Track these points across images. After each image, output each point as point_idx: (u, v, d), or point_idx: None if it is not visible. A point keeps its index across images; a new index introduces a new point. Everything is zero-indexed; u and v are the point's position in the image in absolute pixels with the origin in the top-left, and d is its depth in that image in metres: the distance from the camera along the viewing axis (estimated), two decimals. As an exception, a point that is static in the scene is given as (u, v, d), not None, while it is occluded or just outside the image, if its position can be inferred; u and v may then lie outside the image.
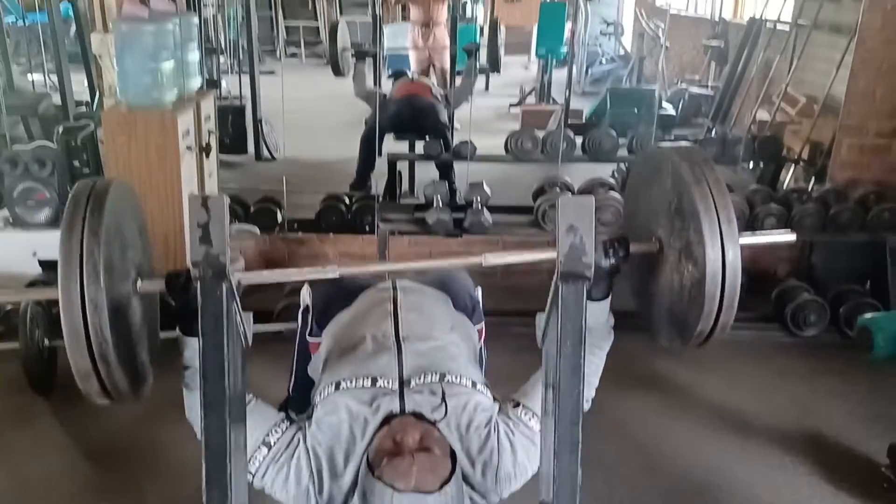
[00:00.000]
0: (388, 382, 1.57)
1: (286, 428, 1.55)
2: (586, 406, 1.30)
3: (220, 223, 1.27)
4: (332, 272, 1.42)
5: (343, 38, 4.84)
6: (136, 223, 1.39)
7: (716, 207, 1.26)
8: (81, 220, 1.19)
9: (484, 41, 7.03)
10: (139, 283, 1.33)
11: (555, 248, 1.32)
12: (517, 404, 1.61)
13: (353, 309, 1.91)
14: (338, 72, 4.83)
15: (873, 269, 3.74)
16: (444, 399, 1.52)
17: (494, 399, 1.62)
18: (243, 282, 1.35)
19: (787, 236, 1.46)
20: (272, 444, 1.51)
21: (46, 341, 3.05)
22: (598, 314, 1.54)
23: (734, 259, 1.25)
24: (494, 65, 5.65)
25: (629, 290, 1.61)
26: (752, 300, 3.76)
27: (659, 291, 1.42)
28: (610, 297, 1.55)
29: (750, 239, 1.37)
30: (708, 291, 1.26)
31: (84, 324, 1.15)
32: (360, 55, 4.92)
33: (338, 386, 1.58)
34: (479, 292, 2.12)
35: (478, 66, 5.10)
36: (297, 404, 1.94)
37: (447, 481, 1.39)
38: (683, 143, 1.35)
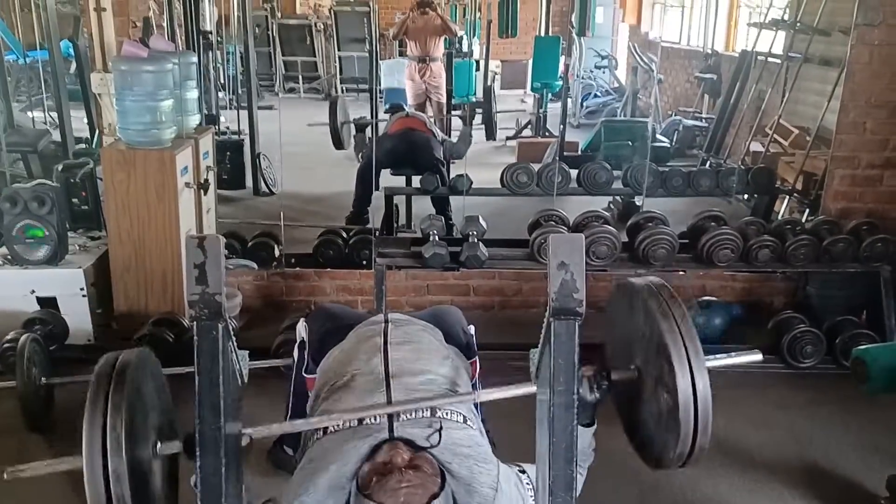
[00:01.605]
0: (375, 419, 1.57)
1: None
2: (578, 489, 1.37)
3: (216, 263, 1.28)
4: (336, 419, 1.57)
5: (343, 112, 4.96)
6: (156, 386, 1.44)
7: (683, 341, 1.34)
8: (105, 397, 1.25)
9: (479, 76, 7.14)
10: (159, 445, 1.37)
11: (532, 379, 1.47)
12: (522, 471, 1.66)
13: (344, 344, 1.91)
14: (339, 145, 4.96)
15: (868, 299, 3.76)
16: (440, 429, 1.53)
17: (483, 434, 1.64)
18: (254, 436, 1.45)
19: (753, 356, 1.55)
20: None
21: (43, 379, 3.05)
22: (584, 439, 1.60)
23: (704, 387, 1.33)
24: (490, 132, 5.77)
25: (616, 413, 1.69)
26: (749, 331, 3.79)
27: (640, 416, 1.51)
28: (595, 425, 1.64)
29: (718, 362, 1.45)
30: (682, 418, 1.33)
31: (107, 496, 1.21)
32: (359, 128, 5.05)
33: (325, 431, 1.58)
34: (472, 329, 2.13)
35: (471, 130, 5.21)
36: (293, 440, 1.94)
37: (436, 496, 1.41)
38: (651, 278, 1.45)
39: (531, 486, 1.62)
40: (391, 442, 1.50)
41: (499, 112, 6.33)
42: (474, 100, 6.96)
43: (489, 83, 7.17)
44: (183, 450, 1.37)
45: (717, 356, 1.46)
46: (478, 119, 6.20)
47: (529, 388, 1.51)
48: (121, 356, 1.33)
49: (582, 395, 1.42)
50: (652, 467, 1.56)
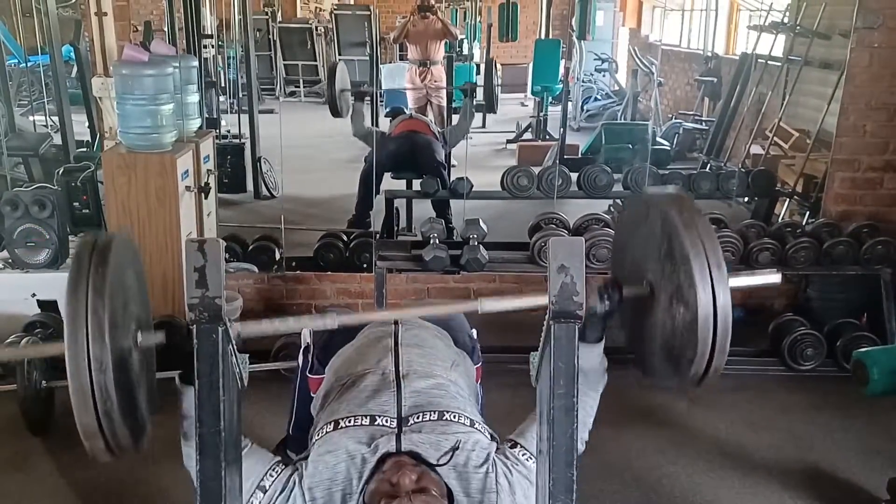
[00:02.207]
0: (386, 421, 1.57)
1: (281, 471, 1.55)
2: (581, 448, 1.32)
3: (217, 267, 1.28)
4: (330, 323, 1.43)
5: (341, 79, 4.89)
6: (135, 274, 1.40)
7: (706, 252, 1.28)
8: (86, 280, 1.19)
9: (480, 80, 7.12)
10: (139, 336, 1.33)
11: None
12: (514, 444, 1.62)
13: (354, 345, 1.92)
14: (336, 113, 4.87)
15: (869, 302, 3.76)
16: (453, 450, 1.52)
17: (493, 438, 1.63)
18: (242, 334, 1.37)
19: (773, 276, 1.48)
20: (267, 487, 1.52)
21: (44, 382, 3.05)
22: (593, 357, 1.55)
23: (725, 302, 1.26)
24: (490, 105, 5.70)
25: (622, 332, 1.63)
26: (749, 334, 3.79)
27: (651, 334, 1.43)
28: (604, 341, 1.56)
29: (738, 281, 1.37)
30: (701, 334, 1.27)
31: (90, 384, 1.16)
32: (358, 95, 4.98)
33: (336, 425, 1.58)
34: (475, 333, 2.13)
35: (474, 106, 5.15)
36: (297, 444, 1.94)
37: None
38: (670, 188, 1.39)
39: (528, 455, 1.60)
40: (398, 458, 1.50)
41: (500, 85, 6.27)
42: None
43: (491, 56, 7.10)
44: (165, 340, 1.35)
45: (737, 273, 1.38)
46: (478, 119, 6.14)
47: (538, 300, 1.39)
48: (100, 238, 1.27)
49: (591, 306, 1.34)
50: (659, 384, 1.49)
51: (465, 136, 5.09)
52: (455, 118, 5.46)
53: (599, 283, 1.44)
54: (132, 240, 1.40)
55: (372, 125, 5.50)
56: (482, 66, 8.24)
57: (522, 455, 1.59)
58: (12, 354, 1.34)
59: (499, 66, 8.01)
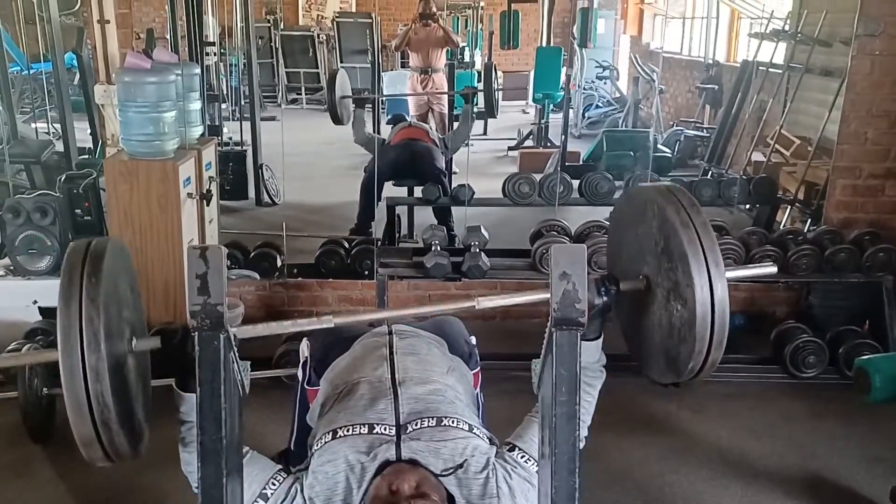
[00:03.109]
0: (384, 429, 1.57)
1: (283, 479, 1.55)
2: (580, 445, 1.32)
3: (218, 274, 1.28)
4: (326, 322, 1.43)
5: (342, 86, 4.90)
6: (129, 281, 1.40)
7: (703, 250, 1.30)
8: (79, 287, 1.18)
9: (481, 86, 7.12)
10: (134, 341, 1.33)
11: (545, 290, 1.35)
12: (513, 447, 1.61)
13: (350, 355, 1.92)
14: (337, 120, 4.88)
15: (871, 309, 3.75)
16: (457, 467, 1.51)
17: (491, 442, 1.63)
18: (238, 335, 1.37)
19: (769, 268, 1.51)
20: (269, 496, 1.51)
21: (45, 390, 3.05)
22: (591, 353, 1.56)
23: (723, 297, 1.28)
24: (491, 110, 5.70)
25: (618, 326, 1.64)
26: (751, 342, 3.79)
27: (647, 328, 1.45)
28: (602, 337, 1.57)
29: (735, 273, 1.41)
30: (699, 331, 1.29)
31: (86, 393, 1.16)
32: (359, 102, 4.99)
33: (335, 434, 1.58)
34: (474, 339, 2.13)
35: (475, 111, 5.15)
36: (298, 459, 1.94)
37: None
38: (665, 182, 1.41)
39: (527, 457, 1.59)
40: (398, 465, 1.50)
41: (500, 90, 6.27)
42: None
43: (490, 60, 7.10)
44: (161, 343, 1.35)
45: (733, 267, 1.43)
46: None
47: (540, 296, 1.41)
48: (92, 244, 1.26)
49: (589, 300, 1.34)
50: (655, 378, 1.50)
51: (466, 142, 5.10)
52: (456, 124, 5.46)
53: (597, 277, 1.46)
54: (124, 245, 1.39)
55: (374, 132, 5.51)
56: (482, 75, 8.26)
57: (521, 457, 1.59)
58: (8, 362, 1.34)
59: (499, 71, 8.01)
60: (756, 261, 3.56)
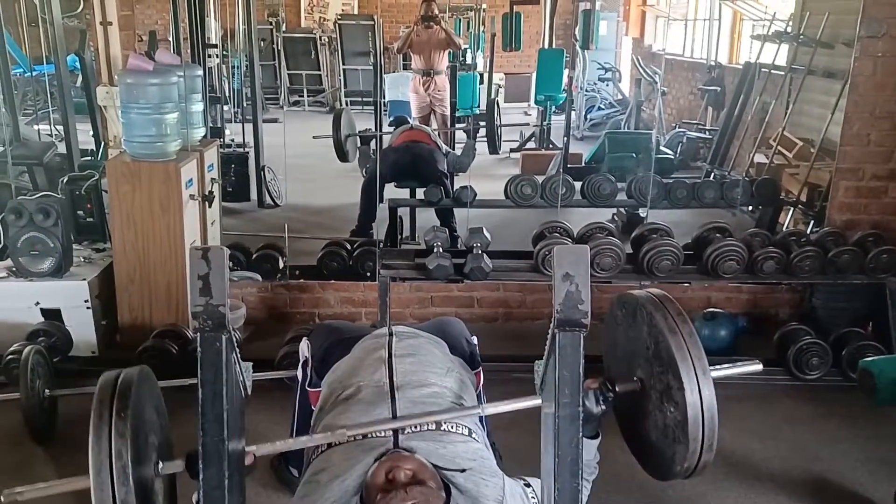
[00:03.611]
0: (380, 433, 1.57)
1: None
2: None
3: (221, 275, 1.28)
4: (339, 436, 1.56)
5: (347, 125, 4.96)
6: (155, 404, 1.45)
7: (691, 356, 1.37)
8: (108, 424, 1.25)
9: (483, 87, 7.15)
10: (160, 465, 1.38)
11: (537, 391, 1.47)
12: (528, 485, 1.65)
13: (349, 358, 1.92)
14: (343, 157, 4.95)
15: (874, 311, 3.74)
16: (456, 471, 1.52)
17: (490, 448, 1.63)
18: (257, 454, 1.47)
19: (754, 366, 1.59)
20: None
21: (47, 391, 3.05)
22: (588, 452, 1.61)
23: (710, 402, 1.36)
24: (494, 147, 5.76)
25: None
26: (755, 344, 3.78)
27: (644, 428, 1.52)
28: (600, 437, 1.64)
29: (721, 373, 1.50)
30: (692, 433, 1.36)
31: None
32: (364, 140, 5.05)
33: (330, 444, 1.58)
34: (475, 340, 2.12)
35: (475, 147, 5.17)
36: (297, 459, 1.93)
37: None
38: (654, 290, 1.47)
39: (536, 500, 1.61)
40: (395, 453, 1.49)
41: (503, 126, 6.32)
42: (478, 111, 6.94)
43: (493, 97, 7.18)
44: (185, 468, 1.37)
45: (719, 367, 1.50)
46: (481, 137, 6.18)
47: (535, 402, 1.51)
48: (122, 376, 1.33)
49: (588, 408, 1.43)
50: (655, 477, 1.57)
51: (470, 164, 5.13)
52: (458, 128, 5.47)
53: (594, 386, 1.52)
54: (150, 372, 1.44)
55: (376, 130, 5.53)
56: (485, 77, 8.27)
57: (532, 498, 1.63)
58: (39, 493, 1.41)
59: (502, 73, 7.99)
60: (759, 263, 3.56)
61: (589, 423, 1.50)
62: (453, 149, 5.54)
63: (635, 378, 1.52)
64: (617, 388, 1.52)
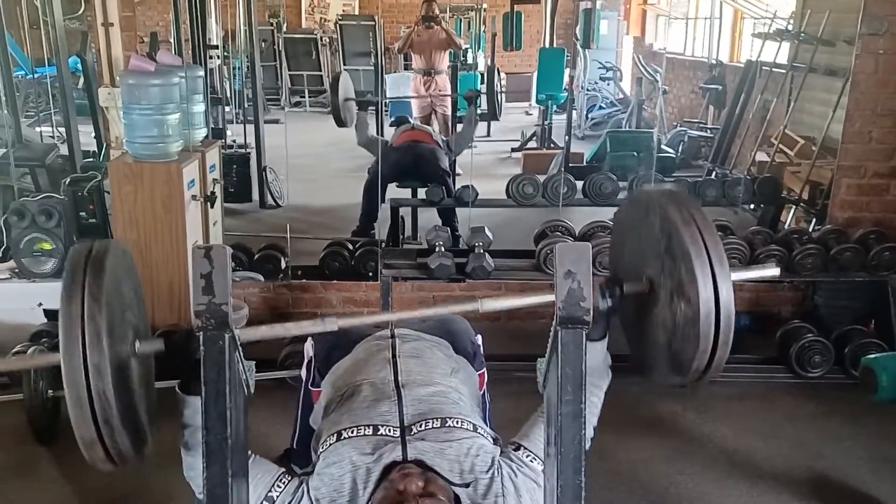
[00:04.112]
0: (389, 430, 1.57)
1: (288, 482, 1.55)
2: (586, 445, 1.32)
3: (223, 273, 1.28)
4: (330, 325, 1.42)
5: (345, 89, 4.90)
6: (132, 284, 1.38)
7: (706, 247, 1.27)
8: (81, 286, 1.17)
9: (484, 88, 7.12)
10: (137, 344, 1.31)
11: (549, 291, 1.34)
12: (518, 447, 1.61)
13: (352, 357, 1.92)
14: (340, 123, 4.88)
15: (876, 308, 3.74)
16: (464, 485, 1.51)
17: (496, 442, 1.63)
18: (241, 339, 1.35)
19: (772, 270, 1.49)
20: (275, 498, 1.51)
21: (50, 392, 3.05)
22: (596, 354, 1.55)
23: (728, 296, 1.25)
24: (494, 113, 5.71)
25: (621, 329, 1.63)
26: (757, 342, 3.78)
27: (651, 330, 1.43)
28: (607, 337, 1.56)
29: (740, 274, 1.37)
30: (703, 329, 1.26)
31: (88, 392, 1.14)
32: (362, 105, 4.99)
33: (339, 436, 1.58)
34: (479, 339, 2.12)
35: (478, 113, 5.14)
36: (300, 458, 1.93)
37: None
38: (668, 187, 1.40)
39: (533, 457, 1.59)
40: (405, 465, 1.50)
41: (502, 92, 6.26)
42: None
43: (493, 63, 7.10)
44: (164, 347, 1.33)
45: (738, 268, 1.40)
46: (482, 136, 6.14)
47: (543, 298, 1.40)
48: (95, 245, 1.25)
49: (594, 303, 1.34)
50: (659, 381, 1.48)
51: (470, 144, 5.09)
52: (459, 126, 5.46)
53: (601, 281, 1.44)
54: (127, 248, 1.38)
55: (378, 135, 5.52)
56: (486, 77, 8.27)
57: (527, 457, 1.59)
58: (12, 365, 1.32)
59: (503, 73, 7.99)
60: (761, 261, 3.55)
61: (596, 324, 1.41)
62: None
63: (645, 279, 1.41)
64: (625, 289, 1.43)
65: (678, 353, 1.34)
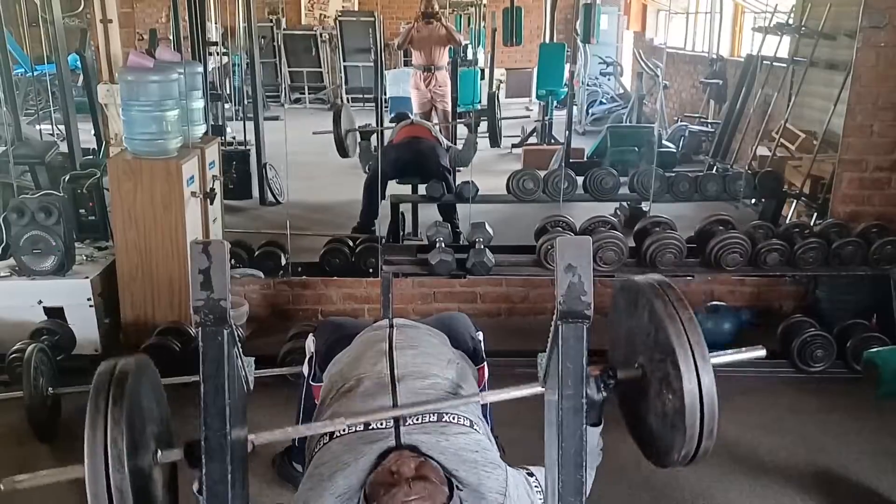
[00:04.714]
0: (381, 423, 1.57)
1: None
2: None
3: (221, 269, 1.28)
4: (339, 424, 1.55)
5: (347, 121, 4.95)
6: (156, 395, 1.44)
7: (689, 343, 1.34)
8: (104, 412, 1.23)
9: (485, 87, 7.12)
10: (159, 454, 1.37)
11: (540, 384, 1.47)
12: (531, 474, 1.64)
13: (350, 350, 1.92)
14: (343, 153, 4.93)
15: (878, 302, 3.73)
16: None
17: (493, 439, 1.63)
18: (256, 442, 1.45)
19: (758, 352, 1.54)
20: None
21: (50, 389, 3.06)
22: (591, 439, 1.58)
23: (710, 388, 1.33)
24: (495, 139, 5.75)
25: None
26: (759, 336, 3.77)
27: (644, 414, 1.51)
28: (602, 424, 1.62)
29: (722, 359, 1.47)
30: (688, 421, 1.34)
31: None
32: (364, 136, 5.04)
33: (332, 435, 1.58)
34: (481, 335, 2.12)
35: (477, 140, 5.14)
36: (301, 454, 1.93)
37: None
38: (655, 276, 1.46)
39: (540, 489, 1.61)
40: (397, 450, 1.49)
41: (504, 119, 6.30)
42: (479, 107, 6.92)
43: (493, 90, 7.16)
44: (184, 456, 1.36)
45: (720, 353, 1.48)
46: (482, 129, 6.16)
47: (536, 389, 1.50)
48: (119, 364, 1.32)
49: (589, 395, 1.41)
50: (655, 464, 1.56)
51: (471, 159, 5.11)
52: (459, 144, 5.44)
53: (596, 373, 1.50)
54: (150, 362, 1.43)
55: (377, 126, 5.52)
56: (486, 72, 8.25)
57: (535, 488, 1.64)
58: (30, 482, 1.39)
59: (503, 69, 7.96)
60: (763, 255, 3.55)
61: (591, 410, 1.49)
62: (454, 143, 5.53)
63: (637, 365, 1.50)
64: (619, 375, 1.51)
65: (668, 440, 1.42)
